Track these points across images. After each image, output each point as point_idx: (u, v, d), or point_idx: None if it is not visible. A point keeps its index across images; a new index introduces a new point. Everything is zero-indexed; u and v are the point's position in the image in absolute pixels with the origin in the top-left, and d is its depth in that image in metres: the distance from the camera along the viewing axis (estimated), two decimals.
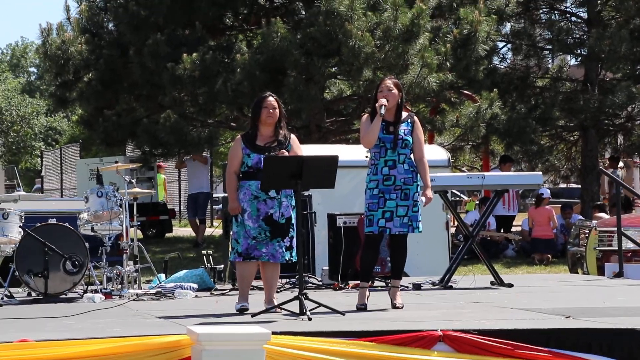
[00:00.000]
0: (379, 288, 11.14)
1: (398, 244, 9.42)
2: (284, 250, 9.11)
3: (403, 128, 9.32)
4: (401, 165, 9.26)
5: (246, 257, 9.09)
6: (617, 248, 12.95)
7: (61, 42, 19.31)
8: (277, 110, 9.20)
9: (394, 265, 9.57)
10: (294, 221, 9.14)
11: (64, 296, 10.49)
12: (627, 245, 13.10)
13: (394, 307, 9.29)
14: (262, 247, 9.06)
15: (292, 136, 9.30)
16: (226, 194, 10.72)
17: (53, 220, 10.76)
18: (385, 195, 9.23)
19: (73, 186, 30.21)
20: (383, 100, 9.22)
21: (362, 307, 9.24)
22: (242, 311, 9.00)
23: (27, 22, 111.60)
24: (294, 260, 9.19)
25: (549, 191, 20.30)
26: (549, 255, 18.77)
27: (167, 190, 24.34)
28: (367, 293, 9.37)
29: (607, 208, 19.65)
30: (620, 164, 25.69)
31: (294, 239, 9.14)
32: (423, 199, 9.25)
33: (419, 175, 9.31)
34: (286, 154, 9.08)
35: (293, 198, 9.11)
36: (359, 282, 11.02)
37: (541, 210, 19.61)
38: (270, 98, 9.23)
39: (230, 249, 9.28)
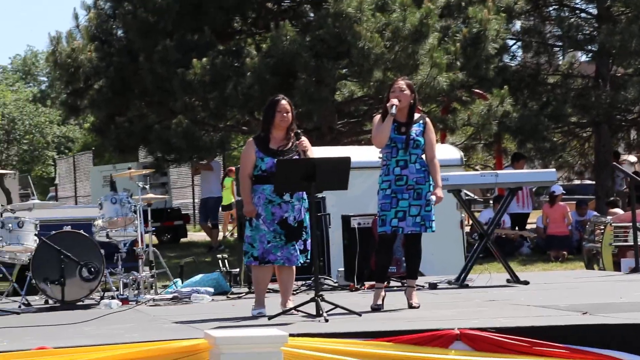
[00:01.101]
0: (395, 288, 11.13)
1: (412, 244, 9.42)
2: (299, 253, 9.10)
3: (415, 129, 9.32)
4: (413, 165, 9.27)
5: (262, 261, 9.08)
6: (632, 243, 12.91)
7: (71, 50, 19.37)
8: (290, 114, 9.19)
9: (409, 265, 9.57)
10: (306, 224, 9.13)
11: (81, 303, 10.52)
12: None
13: (411, 306, 9.29)
14: (278, 250, 9.05)
15: (304, 138, 9.26)
16: (240, 198, 10.74)
17: (68, 228, 10.79)
18: (397, 195, 9.23)
19: (87, 193, 30.33)
20: (394, 101, 9.23)
21: (377, 308, 9.24)
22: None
23: (35, 31, 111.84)
24: (308, 263, 9.18)
25: (561, 188, 20.26)
26: (565, 252, 18.73)
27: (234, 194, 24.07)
28: (383, 293, 9.37)
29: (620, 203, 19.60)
30: (634, 158, 25.63)
31: (308, 242, 9.13)
32: (433, 197, 9.25)
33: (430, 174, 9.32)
34: (308, 148, 9.04)
35: (306, 200, 9.10)
36: (374, 282, 11.02)
37: (556, 207, 19.57)
38: (283, 101, 9.20)
39: (244, 253, 9.26)
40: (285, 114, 9.12)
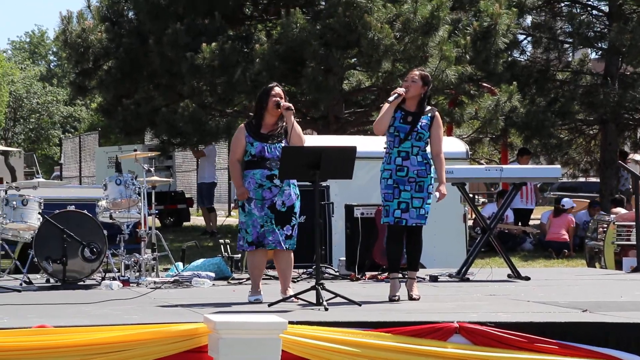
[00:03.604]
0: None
1: (414, 236, 9.40)
2: (284, 238, 9.10)
3: (422, 121, 9.29)
4: (414, 157, 9.24)
5: (258, 245, 9.10)
6: (635, 243, 12.90)
7: (81, 30, 19.38)
8: (284, 99, 9.22)
9: (410, 257, 9.55)
10: (297, 210, 9.15)
11: (82, 283, 10.55)
12: None
13: (411, 298, 9.29)
14: (270, 235, 9.07)
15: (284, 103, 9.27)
16: None
17: (72, 208, 10.81)
18: (400, 186, 9.22)
19: (92, 174, 30.35)
20: (399, 89, 9.24)
21: (394, 299, 9.21)
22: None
23: (43, 10, 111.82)
24: (291, 249, 9.16)
25: (571, 201, 20.07)
26: (565, 250, 18.69)
27: None
28: (399, 284, 9.35)
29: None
30: (639, 157, 25.58)
31: (295, 228, 9.14)
32: (437, 194, 9.23)
33: (432, 167, 9.29)
34: (292, 110, 9.05)
35: (297, 187, 9.13)
36: (375, 273, 11.03)
37: (561, 216, 19.34)
38: (278, 88, 9.25)
39: (239, 239, 9.24)
40: (279, 98, 9.14)
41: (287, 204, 9.10)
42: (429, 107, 9.36)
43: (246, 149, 9.14)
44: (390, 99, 9.18)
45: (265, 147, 9.06)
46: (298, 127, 9.18)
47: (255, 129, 9.16)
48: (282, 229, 9.06)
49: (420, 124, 9.26)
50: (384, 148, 9.50)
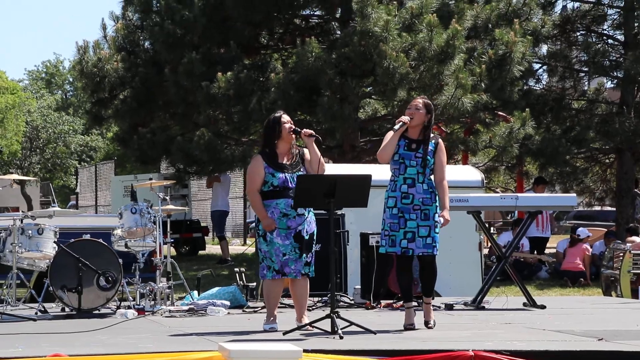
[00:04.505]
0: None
1: (426, 265, 9.37)
2: (304, 265, 9.12)
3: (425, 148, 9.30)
4: (420, 184, 9.23)
5: (283, 274, 9.12)
6: None
7: (97, 60, 19.48)
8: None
9: (424, 284, 9.53)
10: (315, 236, 9.16)
11: (97, 312, 10.56)
12: None
13: (427, 324, 9.28)
14: (292, 264, 9.09)
15: (304, 150, 9.32)
16: None
17: (87, 236, 10.85)
18: (405, 215, 9.20)
19: (107, 203, 30.42)
20: (404, 118, 9.25)
21: (410, 327, 9.19)
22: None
23: (61, 39, 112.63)
24: (311, 276, 9.18)
25: (587, 231, 20.01)
26: (582, 279, 18.61)
27: None
28: (414, 313, 9.32)
29: None
30: None
31: (314, 255, 9.16)
32: (441, 219, 9.21)
33: (438, 196, 9.27)
34: (314, 136, 9.11)
35: (312, 212, 9.13)
36: (390, 301, 11.01)
37: (577, 246, 19.24)
38: (286, 116, 9.28)
39: (266, 268, 9.20)
40: (290, 124, 9.19)
41: (309, 232, 9.14)
42: (431, 135, 9.38)
43: (266, 179, 9.13)
44: (396, 127, 9.18)
45: (288, 177, 9.07)
46: (319, 154, 9.21)
47: (273, 159, 9.16)
48: (306, 256, 9.09)
49: (424, 150, 9.25)
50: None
